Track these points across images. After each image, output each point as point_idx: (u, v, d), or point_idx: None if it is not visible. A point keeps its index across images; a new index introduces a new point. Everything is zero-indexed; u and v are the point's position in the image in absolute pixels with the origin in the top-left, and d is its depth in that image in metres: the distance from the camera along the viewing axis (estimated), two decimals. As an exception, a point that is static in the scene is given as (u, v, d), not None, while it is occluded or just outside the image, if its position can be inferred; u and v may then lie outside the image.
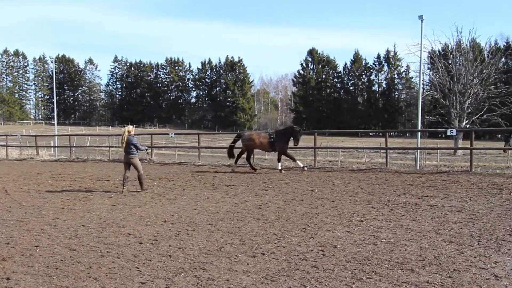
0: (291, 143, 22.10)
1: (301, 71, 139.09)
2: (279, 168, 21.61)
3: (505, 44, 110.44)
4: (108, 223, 10.88)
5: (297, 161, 21.77)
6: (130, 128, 17.00)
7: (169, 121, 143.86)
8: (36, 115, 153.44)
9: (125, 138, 16.26)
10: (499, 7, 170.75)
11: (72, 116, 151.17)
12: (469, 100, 56.99)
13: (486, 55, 61.59)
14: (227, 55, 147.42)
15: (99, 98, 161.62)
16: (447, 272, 6.94)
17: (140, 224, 10.71)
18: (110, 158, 32.25)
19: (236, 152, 22.81)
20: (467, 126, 54.24)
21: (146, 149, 18.19)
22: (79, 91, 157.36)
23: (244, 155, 22.47)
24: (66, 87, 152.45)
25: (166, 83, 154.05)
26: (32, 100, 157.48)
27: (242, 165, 23.08)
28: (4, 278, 7.01)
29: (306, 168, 21.62)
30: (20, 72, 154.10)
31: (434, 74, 62.97)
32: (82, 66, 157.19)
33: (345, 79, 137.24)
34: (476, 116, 57.22)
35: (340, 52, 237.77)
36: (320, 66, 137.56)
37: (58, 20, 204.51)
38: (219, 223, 10.66)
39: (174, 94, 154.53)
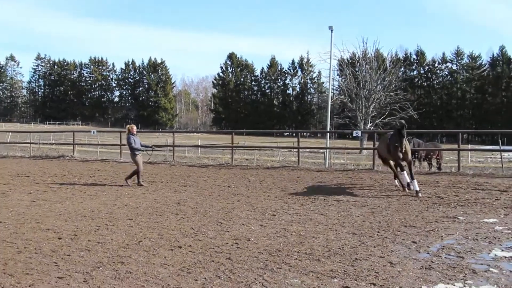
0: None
1: (221, 74, 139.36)
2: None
3: (404, 56, 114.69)
4: (27, 218, 10.51)
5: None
6: (129, 127, 17.12)
7: (92, 119, 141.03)
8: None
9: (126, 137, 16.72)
10: (398, 22, 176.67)
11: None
12: (373, 104, 58.90)
13: (388, 65, 63.64)
14: (150, 57, 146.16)
15: (21, 94, 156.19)
16: (350, 261, 7.13)
17: (59, 219, 10.41)
18: (31, 154, 31.17)
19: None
20: (371, 128, 55.77)
21: (152, 149, 18.25)
22: (0, 87, 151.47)
23: None
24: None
25: (89, 82, 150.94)
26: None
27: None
28: None
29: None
30: None
31: (343, 80, 64.72)
32: (3, 62, 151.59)
33: (262, 82, 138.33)
34: (379, 119, 59.09)
35: (258, 57, 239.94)
36: (239, 69, 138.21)
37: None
38: (139, 218, 10.52)
39: (97, 92, 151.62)
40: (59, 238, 8.63)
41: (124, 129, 23.51)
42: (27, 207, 11.97)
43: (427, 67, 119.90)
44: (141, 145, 16.93)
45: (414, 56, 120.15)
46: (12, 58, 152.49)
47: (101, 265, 6.97)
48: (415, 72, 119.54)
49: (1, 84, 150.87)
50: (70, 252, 7.65)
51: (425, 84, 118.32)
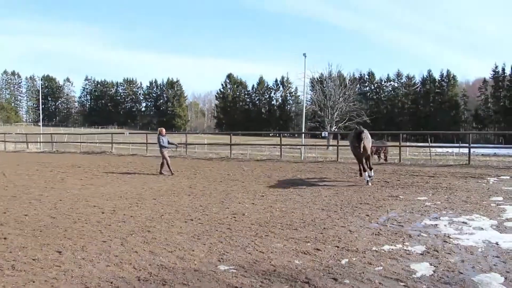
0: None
1: (222, 89, 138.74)
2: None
3: (359, 75, 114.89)
4: (79, 198, 10.47)
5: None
6: (159, 129, 16.78)
7: (125, 124, 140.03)
8: (27, 119, 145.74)
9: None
10: (356, 50, 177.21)
11: (54, 119, 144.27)
12: (337, 112, 59.16)
13: (347, 82, 63.75)
14: (168, 77, 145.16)
15: (74, 106, 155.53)
16: (320, 230, 7.11)
17: (102, 199, 10.37)
18: (81, 150, 31.00)
19: None
20: (335, 130, 55.92)
21: (176, 146, 18.49)
22: (59, 101, 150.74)
23: None
24: (49, 98, 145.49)
25: (123, 96, 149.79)
26: (24, 108, 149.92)
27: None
28: (2, 238, 6.67)
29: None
30: (16, 87, 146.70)
31: (314, 93, 64.90)
32: (61, 83, 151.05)
33: (252, 95, 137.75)
34: (341, 123, 59.36)
35: (249, 76, 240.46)
36: (235, 86, 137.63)
37: (44, 49, 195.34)
38: (160, 198, 10.48)
39: (129, 104, 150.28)
40: (103, 213, 8.60)
41: (149, 131, 23.31)
42: (79, 189, 11.96)
43: (376, 84, 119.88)
44: (168, 143, 16.42)
45: (367, 76, 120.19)
46: (68, 79, 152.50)
47: (133, 233, 6.94)
48: (367, 88, 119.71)
49: (60, 99, 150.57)
50: (111, 223, 7.64)
51: (375, 97, 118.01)
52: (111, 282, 4.73)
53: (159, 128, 17.02)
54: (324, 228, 7.26)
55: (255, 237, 6.69)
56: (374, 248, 5.98)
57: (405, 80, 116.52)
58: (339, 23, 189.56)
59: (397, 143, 21.84)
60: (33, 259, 5.58)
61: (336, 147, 22.90)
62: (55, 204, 9.68)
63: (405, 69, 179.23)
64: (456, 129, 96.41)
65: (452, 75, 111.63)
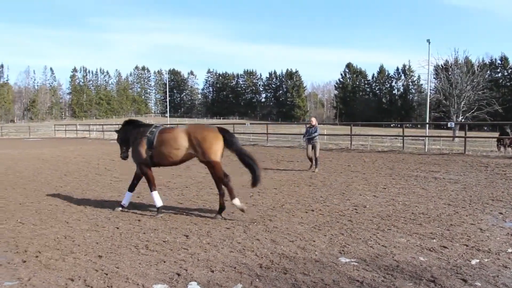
0: None
1: (341, 79, 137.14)
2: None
3: (490, 61, 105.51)
4: (204, 186, 11.06)
5: None
6: (311, 119, 15.19)
7: (246, 114, 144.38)
8: (155, 110, 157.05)
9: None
10: (485, 33, 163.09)
11: (179, 111, 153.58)
12: (464, 101, 55.63)
13: (476, 69, 59.39)
14: (287, 68, 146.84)
15: (197, 98, 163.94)
16: (446, 226, 6.75)
17: (226, 187, 10.83)
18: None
19: None
20: (462, 120, 52.52)
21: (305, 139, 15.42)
22: (184, 93, 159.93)
23: None
24: (175, 91, 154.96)
25: (243, 87, 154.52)
26: (153, 100, 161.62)
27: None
28: (136, 220, 7.30)
29: None
30: (145, 81, 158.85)
31: (438, 82, 61.64)
32: (186, 76, 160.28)
33: (373, 85, 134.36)
34: (469, 113, 55.84)
35: (369, 65, 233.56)
36: (354, 75, 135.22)
37: (170, 44, 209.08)
38: (281, 188, 10.68)
39: (249, 95, 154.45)
40: (226, 200, 8.97)
41: (269, 122, 23.67)
42: (203, 177, 12.57)
43: (510, 70, 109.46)
44: (308, 134, 14.60)
45: (499, 61, 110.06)
46: (191, 73, 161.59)
47: (255, 221, 7.17)
48: (499, 74, 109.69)
49: (184, 91, 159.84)
50: (233, 211, 7.88)
51: (509, 84, 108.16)
52: (234, 268, 4.93)
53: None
54: (450, 224, 6.87)
55: (377, 230, 6.55)
56: (510, 250, 5.51)
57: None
58: (464, 3, 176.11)
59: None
60: (164, 241, 6.04)
61: (463, 139, 21.37)
62: (181, 190, 10.35)
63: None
64: None
65: None
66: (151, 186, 7.91)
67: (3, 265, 5.08)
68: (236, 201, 7.32)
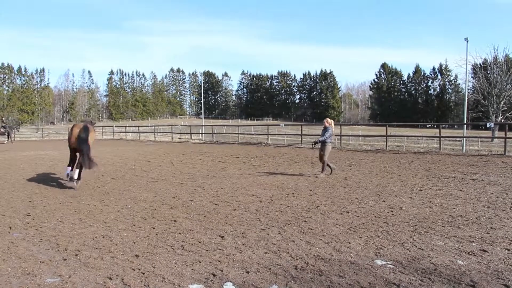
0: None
1: (376, 80, 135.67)
2: None
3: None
4: (238, 187, 11.13)
5: None
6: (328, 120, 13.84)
7: (280, 115, 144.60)
8: (190, 112, 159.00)
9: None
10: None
11: (213, 112, 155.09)
12: (504, 101, 53.90)
13: (517, 67, 57.54)
14: (321, 68, 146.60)
15: (232, 99, 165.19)
16: (486, 229, 6.58)
17: (260, 188, 10.87)
18: (239, 141, 32.86)
19: None
20: (502, 121, 50.93)
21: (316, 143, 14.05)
22: (218, 95, 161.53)
23: None
24: (209, 92, 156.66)
25: (278, 88, 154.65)
26: (188, 102, 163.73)
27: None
28: (172, 220, 7.42)
29: None
30: (180, 83, 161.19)
31: (476, 81, 59.92)
32: (220, 77, 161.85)
33: (408, 85, 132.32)
34: (509, 113, 54.13)
35: (404, 65, 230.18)
36: (389, 76, 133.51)
37: (204, 46, 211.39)
38: (316, 189, 10.63)
39: (283, 96, 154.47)
40: (260, 201, 9.02)
41: (304, 123, 23.49)
42: (238, 178, 12.68)
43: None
44: (325, 136, 13.16)
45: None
46: (226, 74, 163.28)
47: (290, 222, 7.16)
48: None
49: (219, 93, 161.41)
50: (268, 212, 7.96)
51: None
52: (270, 269, 4.95)
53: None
54: (490, 227, 6.69)
55: (414, 232, 6.44)
56: (553, 254, 5.33)
57: None
58: (503, 0, 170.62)
59: None
60: (199, 242, 6.11)
61: (503, 140, 20.73)
62: (216, 191, 10.44)
63: None
64: None
65: None
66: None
67: (45, 263, 5.26)
68: None
